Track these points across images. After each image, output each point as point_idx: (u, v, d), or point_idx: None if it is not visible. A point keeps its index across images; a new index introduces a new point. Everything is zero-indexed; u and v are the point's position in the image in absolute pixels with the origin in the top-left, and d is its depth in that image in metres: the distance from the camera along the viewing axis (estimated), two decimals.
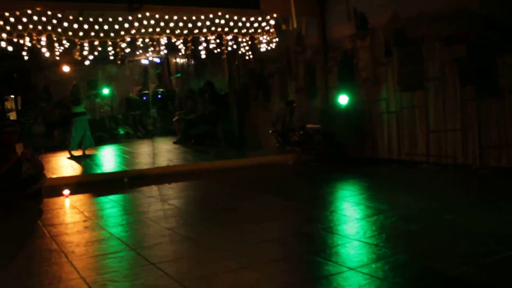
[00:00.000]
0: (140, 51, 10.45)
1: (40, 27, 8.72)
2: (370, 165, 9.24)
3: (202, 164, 10.00)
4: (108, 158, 11.96)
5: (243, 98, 13.39)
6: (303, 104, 11.40)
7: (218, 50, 10.49)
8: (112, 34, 9.32)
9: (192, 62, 17.15)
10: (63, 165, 10.68)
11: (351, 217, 5.34)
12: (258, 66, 13.02)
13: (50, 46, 9.18)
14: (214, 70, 15.16)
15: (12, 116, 16.97)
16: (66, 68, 16.17)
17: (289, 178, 8.86)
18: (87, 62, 9.87)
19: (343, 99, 10.07)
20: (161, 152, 12.21)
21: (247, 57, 11.10)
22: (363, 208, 5.75)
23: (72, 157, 11.74)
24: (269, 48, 10.71)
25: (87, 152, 12.09)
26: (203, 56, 10.81)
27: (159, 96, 17.93)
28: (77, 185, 8.48)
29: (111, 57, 10.12)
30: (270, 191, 7.41)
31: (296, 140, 10.51)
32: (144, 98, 18.06)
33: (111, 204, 7.10)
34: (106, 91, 17.71)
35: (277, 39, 10.66)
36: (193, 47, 10.43)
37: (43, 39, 8.88)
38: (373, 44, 9.59)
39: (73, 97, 11.91)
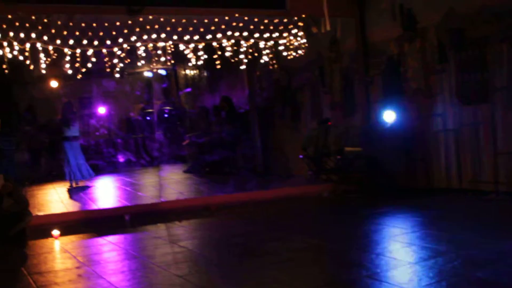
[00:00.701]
0: (142, 62, 10.55)
1: (22, 35, 8.87)
2: (424, 196, 9.14)
3: (218, 198, 10.03)
4: (106, 191, 12.05)
5: (267, 116, 13.42)
6: (339, 122, 11.38)
7: (236, 59, 10.56)
8: (108, 42, 9.45)
9: (205, 74, 17.29)
10: (52, 200, 10.78)
11: (403, 260, 5.29)
12: (284, 78, 13.07)
13: (34, 58, 9.33)
14: (231, 83, 15.25)
15: None
16: (54, 84, 16.40)
17: (325, 213, 8.81)
18: (79, 76, 10.02)
19: (388, 116, 10.03)
20: (169, 183, 12.27)
21: (270, 67, 11.14)
22: (417, 249, 5.69)
23: (73, 189, 11.93)
24: (297, 55, 10.74)
25: (80, 184, 12.21)
26: (218, 67, 10.87)
27: (166, 115, 18.08)
28: (68, 224, 8.51)
29: (108, 70, 10.25)
30: (302, 229, 7.37)
31: (332, 166, 10.48)
32: (148, 118, 18.22)
33: (110, 246, 7.11)
34: (102, 110, 17.90)
35: (306, 45, 10.69)
36: (205, 56, 10.52)
37: (27, 49, 9.03)
38: (424, 47, 9.58)
39: (64, 118, 12.10)
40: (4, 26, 8.79)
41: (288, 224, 7.87)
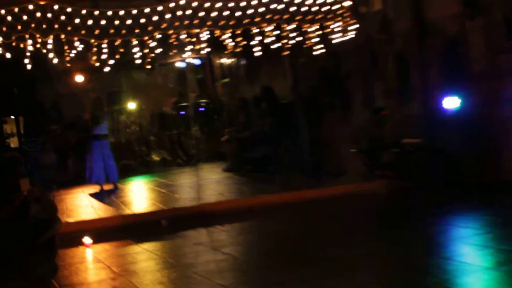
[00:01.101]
0: (175, 52, 10.56)
1: (45, 26, 8.92)
2: (496, 192, 8.89)
3: (263, 198, 9.97)
4: (139, 194, 12.13)
5: (314, 107, 13.26)
6: (395, 111, 11.21)
7: (277, 44, 10.47)
8: (137, 31, 9.45)
9: (243, 62, 17.24)
10: (82, 205, 10.90)
11: (475, 265, 5.19)
12: (332, 64, 12.93)
13: (58, 50, 9.39)
14: (272, 71, 15.15)
15: (13, 143, 17.44)
16: (80, 78, 16.51)
17: (383, 213, 8.66)
18: (106, 69, 10.06)
19: (450, 102, 9.82)
20: (208, 183, 12.26)
21: (316, 53, 11.02)
22: (492, 252, 5.57)
23: (103, 192, 12.05)
24: (345, 38, 10.61)
25: (110, 187, 12.32)
26: (258, 54, 10.80)
27: (202, 109, 18.07)
28: (101, 231, 8.58)
29: (138, 61, 10.27)
30: (358, 232, 7.29)
31: (388, 161, 10.33)
32: (183, 112, 18.24)
33: (147, 255, 7.13)
34: (132, 105, 17.98)
35: (355, 26, 10.55)
36: (243, 43, 10.45)
37: (50, 41, 9.09)
38: (488, 24, 9.35)
39: (93, 115, 12.19)
40: (25, 17, 8.85)
41: (342, 227, 7.79)
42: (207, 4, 9.70)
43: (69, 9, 9.06)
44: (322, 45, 10.83)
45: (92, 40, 9.35)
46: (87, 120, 12.67)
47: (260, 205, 9.45)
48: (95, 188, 12.21)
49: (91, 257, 7.27)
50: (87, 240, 7.88)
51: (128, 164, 15.38)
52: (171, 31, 9.72)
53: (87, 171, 12.19)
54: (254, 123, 14.13)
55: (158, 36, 9.67)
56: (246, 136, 13.83)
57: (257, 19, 9.94)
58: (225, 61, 18.55)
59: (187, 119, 17.80)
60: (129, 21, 9.40)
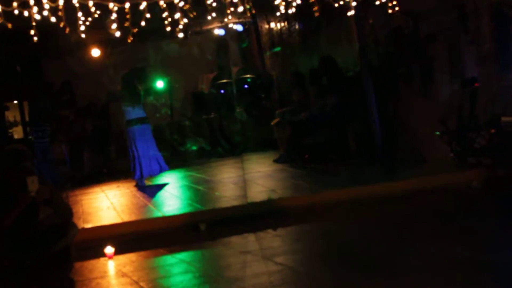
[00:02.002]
0: (213, 16, 10.50)
1: None
2: None
3: (325, 195, 9.94)
4: (172, 192, 12.16)
5: (386, 80, 13.14)
6: (492, 83, 11.03)
7: (340, 2, 10.35)
8: None
9: (297, 26, 17.16)
10: (102, 207, 10.99)
11: None
12: (409, 25, 12.79)
13: (70, 19, 9.45)
14: (334, 37, 15.07)
15: (17, 133, 17.59)
16: (96, 52, 16.63)
17: (476, 211, 8.56)
18: (130, 40, 10.08)
19: None
20: (256, 177, 12.30)
21: (389, 11, 10.89)
22: None
23: (144, 188, 12.37)
24: None
25: (147, 183, 12.69)
26: (316, 16, 10.69)
27: (247, 86, 18.06)
28: (125, 238, 8.68)
29: (168, 29, 10.27)
30: (446, 236, 7.23)
31: (483, 144, 10.20)
32: (223, 91, 18.27)
33: (182, 267, 7.17)
34: (161, 84, 18.03)
35: None
36: (297, 2, 10.37)
37: (60, 7, 9.12)
38: None
39: (127, 93, 12.36)
40: None
41: (425, 230, 7.71)
42: None
43: None
44: (396, 2, 10.68)
45: (111, 5, 9.36)
46: (117, 97, 12.78)
47: (322, 204, 9.46)
48: (118, 187, 12.34)
49: (114, 270, 7.31)
50: (109, 249, 7.93)
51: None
52: None
53: (134, 165, 12.42)
54: (312, 103, 14.08)
55: None
56: (302, 119, 13.75)
57: None
58: (275, 26, 18.46)
59: (229, 99, 17.83)
60: None
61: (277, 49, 18.73)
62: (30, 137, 15.57)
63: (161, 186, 12.71)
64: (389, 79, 13.16)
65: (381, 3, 10.63)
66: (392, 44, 13.38)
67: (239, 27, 18.67)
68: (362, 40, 13.17)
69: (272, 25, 18.62)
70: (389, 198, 9.58)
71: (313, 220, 8.84)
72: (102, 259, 7.82)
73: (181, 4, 9.61)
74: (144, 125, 12.48)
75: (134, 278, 6.82)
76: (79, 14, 9.37)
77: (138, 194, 11.95)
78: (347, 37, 14.06)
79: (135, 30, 9.77)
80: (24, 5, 8.96)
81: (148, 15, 9.60)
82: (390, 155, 12.25)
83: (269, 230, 8.41)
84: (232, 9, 10.33)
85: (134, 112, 12.31)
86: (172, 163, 15.59)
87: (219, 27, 17.78)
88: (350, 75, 13.78)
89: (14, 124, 17.94)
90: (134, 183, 12.72)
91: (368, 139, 12.61)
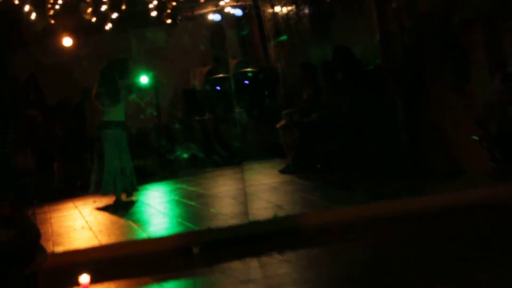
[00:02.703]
0: None
1: None
2: None
3: (342, 212, 9.94)
4: (159, 208, 12.20)
5: (413, 75, 13.09)
6: None
7: None
8: None
9: (307, 10, 17.11)
10: (75, 227, 11.01)
11: None
12: (440, 10, 12.71)
13: (38, 3, 9.37)
14: (350, 23, 15.03)
15: None
16: (68, 42, 16.57)
17: None
18: (108, 26, 9.99)
19: None
20: (259, 191, 12.29)
21: None
22: None
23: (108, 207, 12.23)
24: None
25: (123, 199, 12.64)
26: None
27: (247, 81, 18.02)
28: (103, 264, 8.65)
29: (153, 14, 10.18)
30: (489, 263, 7.17)
31: None
32: (218, 87, 18.23)
33: None
34: (146, 79, 17.93)
35: None
36: None
37: None
38: None
39: (106, 89, 12.31)
40: None
41: (464, 254, 7.65)
42: None
43: None
44: None
45: None
46: (95, 97, 12.71)
47: (338, 222, 9.44)
48: (98, 201, 12.29)
49: None
50: (84, 278, 7.82)
51: (142, 165, 15.43)
52: None
53: (94, 175, 12.33)
54: (325, 101, 14.01)
55: None
56: (313, 121, 13.72)
57: None
58: (280, 9, 18.42)
59: (226, 97, 17.77)
60: None
61: (283, 37, 18.68)
62: None
63: (146, 202, 12.68)
64: (416, 74, 13.09)
65: None
66: (420, 33, 13.31)
67: (237, 12, 18.64)
68: (384, 28, 13.15)
69: (277, 8, 18.59)
70: (418, 216, 9.52)
71: (328, 243, 8.85)
72: None
73: None
74: (119, 130, 12.37)
75: None
76: None
77: (119, 211, 11.88)
78: (366, 23, 14.04)
79: (114, 15, 9.68)
80: None
81: None
82: (419, 164, 12.20)
83: (275, 255, 8.40)
84: None
85: (111, 113, 12.23)
86: (159, 174, 15.58)
87: (214, 12, 17.77)
88: (370, 69, 13.71)
89: None
90: (113, 199, 12.60)
91: (392, 145, 12.56)
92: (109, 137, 12.30)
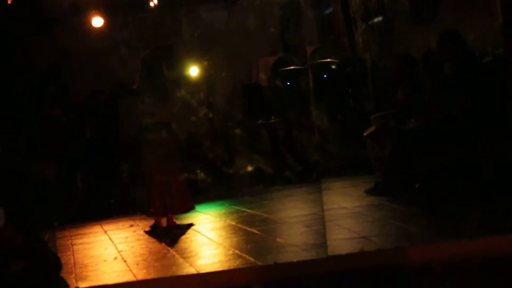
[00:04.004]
0: None
1: None
2: None
3: (450, 247, 9.72)
4: (212, 236, 12.20)
5: None
6: None
7: None
8: None
9: None
10: (105, 256, 11.05)
11: None
12: None
13: None
14: (463, 3, 14.89)
15: None
16: (98, 22, 16.65)
17: None
18: (152, 3, 10.03)
19: None
20: (340, 217, 12.23)
21: None
22: None
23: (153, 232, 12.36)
24: None
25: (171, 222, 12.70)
26: None
27: (328, 76, 17.97)
28: None
29: None
30: None
31: None
32: (290, 83, 18.20)
33: None
34: (197, 71, 18.00)
35: None
36: None
37: None
38: None
39: (149, 84, 12.43)
40: None
41: None
42: None
43: None
44: None
45: None
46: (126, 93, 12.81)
47: (443, 260, 9.22)
48: (135, 225, 12.37)
49: None
50: None
51: (192, 179, 15.46)
52: None
53: (139, 193, 12.42)
54: (429, 103, 13.89)
55: None
56: (412, 128, 13.60)
57: None
58: None
59: (301, 96, 17.73)
60: None
61: (376, 20, 18.60)
62: None
63: (196, 227, 12.70)
64: None
65: None
66: None
67: None
68: (509, 8, 13.00)
69: None
70: None
71: (431, 284, 8.67)
72: None
73: None
74: (165, 136, 12.40)
75: None
76: None
77: (160, 239, 11.90)
78: (483, 2, 13.91)
79: None
80: None
81: None
82: None
83: None
84: None
85: (156, 113, 12.28)
86: (213, 192, 15.59)
87: None
88: (488, 61, 13.57)
89: None
90: (153, 222, 12.67)
91: None
92: (151, 142, 12.32)
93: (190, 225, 12.75)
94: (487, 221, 10.87)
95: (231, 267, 9.67)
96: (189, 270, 9.80)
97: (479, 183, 12.72)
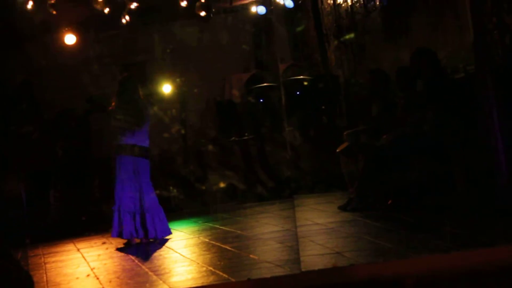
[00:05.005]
0: None
1: None
2: None
3: (422, 262, 9.80)
4: (185, 253, 12.20)
5: None
6: None
7: None
8: None
9: (378, 2, 17.12)
10: (77, 275, 11.04)
11: None
12: None
13: None
14: (434, 19, 14.99)
15: None
16: (71, 39, 16.65)
17: None
18: (125, 20, 10.05)
19: None
20: (313, 233, 12.28)
21: None
22: None
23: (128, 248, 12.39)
24: None
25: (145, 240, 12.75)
26: None
27: (300, 93, 18.01)
28: None
29: (183, 4, 10.25)
30: None
31: None
32: (263, 100, 18.24)
33: None
34: (169, 88, 18.04)
35: None
36: None
37: None
38: None
39: (126, 105, 12.39)
40: None
41: None
42: None
43: None
44: None
45: None
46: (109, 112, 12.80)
47: (416, 276, 9.28)
48: (107, 242, 12.35)
49: None
50: None
51: (165, 197, 15.46)
52: None
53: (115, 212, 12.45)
54: (401, 119, 13.97)
55: None
56: (384, 144, 13.67)
57: None
58: (344, 0, 18.43)
59: (273, 112, 17.78)
60: None
61: (348, 36, 18.67)
62: None
63: (169, 244, 12.72)
64: None
65: None
66: None
67: (288, 3, 18.63)
68: (479, 25, 13.09)
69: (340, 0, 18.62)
70: None
71: None
72: None
73: None
74: (139, 159, 12.42)
75: None
76: None
77: (133, 256, 11.92)
78: (455, 19, 14.01)
79: (133, 5, 9.73)
80: None
81: None
82: None
83: None
84: None
85: (128, 137, 12.27)
86: (186, 209, 15.60)
87: (259, 3, 17.80)
88: (460, 78, 13.66)
89: None
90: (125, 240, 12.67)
91: (488, 175, 12.48)
92: (124, 166, 12.30)
93: (164, 241, 12.77)
94: (460, 235, 10.96)
95: (205, 284, 9.69)
96: (163, 287, 9.82)
97: (451, 198, 12.81)
